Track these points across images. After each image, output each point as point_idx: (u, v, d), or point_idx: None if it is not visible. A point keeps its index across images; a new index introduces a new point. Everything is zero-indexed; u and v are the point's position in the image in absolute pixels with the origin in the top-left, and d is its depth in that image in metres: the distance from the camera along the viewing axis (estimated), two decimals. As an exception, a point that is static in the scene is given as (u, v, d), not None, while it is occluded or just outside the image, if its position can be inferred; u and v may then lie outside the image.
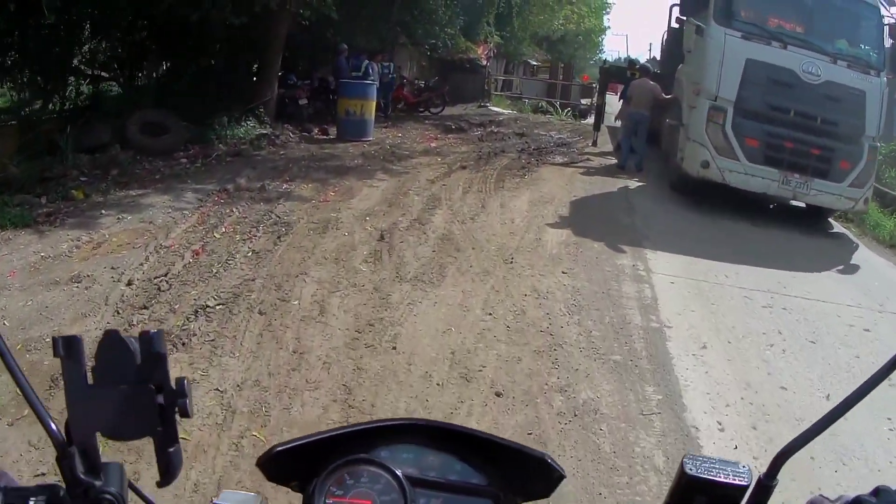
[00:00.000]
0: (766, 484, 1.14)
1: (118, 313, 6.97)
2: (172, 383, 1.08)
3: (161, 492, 1.30)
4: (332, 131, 18.71)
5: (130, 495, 1.14)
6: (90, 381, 1.06)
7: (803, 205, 14.27)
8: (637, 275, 9.58)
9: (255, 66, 19.79)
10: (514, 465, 1.46)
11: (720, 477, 1.18)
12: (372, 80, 19.75)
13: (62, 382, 1.04)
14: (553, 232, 11.07)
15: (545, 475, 1.45)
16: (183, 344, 6.46)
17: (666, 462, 5.34)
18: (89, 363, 1.06)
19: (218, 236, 9.49)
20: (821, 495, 1.14)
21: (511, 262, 9.41)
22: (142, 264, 8.25)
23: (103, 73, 18.81)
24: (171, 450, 1.08)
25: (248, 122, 17.10)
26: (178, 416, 1.08)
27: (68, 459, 1.04)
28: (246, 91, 18.23)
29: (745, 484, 1.18)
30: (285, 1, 16.21)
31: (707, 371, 6.95)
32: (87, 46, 18.06)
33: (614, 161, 18.08)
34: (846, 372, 7.29)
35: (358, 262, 8.91)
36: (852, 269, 11.75)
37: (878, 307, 9.70)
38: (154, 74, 19.72)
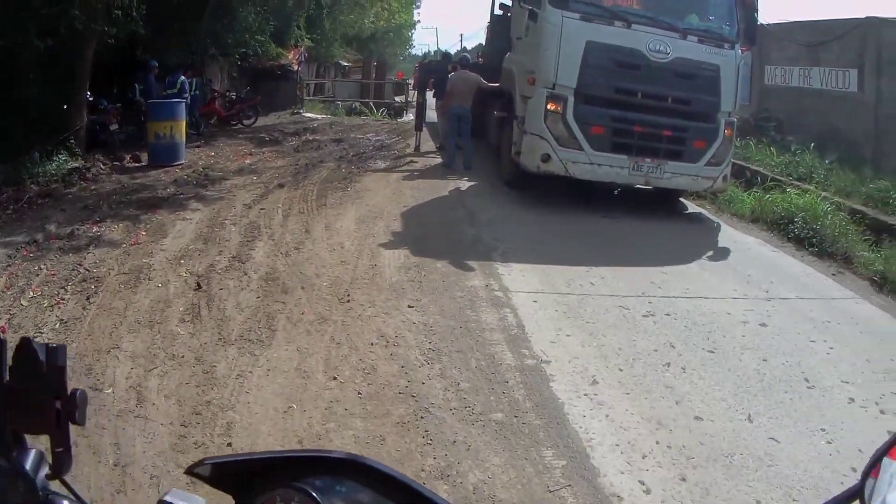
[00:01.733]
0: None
1: None
2: (68, 393, 1.23)
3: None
4: (145, 157, 17.53)
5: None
6: (7, 379, 1.24)
7: (650, 187, 13.66)
8: (494, 297, 8.65)
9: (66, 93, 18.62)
10: None
11: None
12: (185, 98, 19.16)
13: None
14: (389, 254, 10.01)
15: None
16: None
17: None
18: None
19: (25, 303, 8.33)
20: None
21: (348, 301, 8.29)
22: None
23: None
24: (61, 450, 1.25)
25: (61, 156, 15.78)
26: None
27: None
28: (57, 121, 17.08)
29: None
30: (90, 19, 15.27)
31: (607, 414, 6.09)
32: None
33: (440, 161, 17.45)
34: (758, 381, 6.78)
35: (174, 324, 7.72)
36: (724, 253, 11.31)
37: (764, 295, 9.30)
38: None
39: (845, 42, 17.80)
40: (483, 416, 5.93)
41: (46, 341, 1.26)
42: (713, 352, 7.37)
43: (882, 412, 6.34)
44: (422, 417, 5.89)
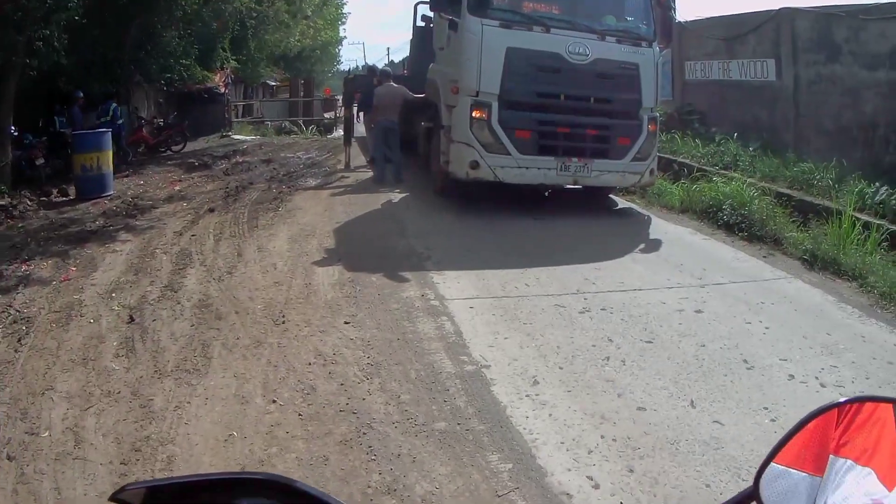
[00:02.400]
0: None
1: None
2: None
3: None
4: (72, 191, 17.18)
5: None
6: None
7: (580, 187, 13.77)
8: (430, 307, 8.61)
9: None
10: None
11: None
12: (120, 124, 19.42)
13: None
14: (322, 272, 9.95)
15: None
16: None
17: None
18: None
19: None
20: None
21: (283, 322, 8.17)
22: None
23: None
24: None
25: (-16, 195, 15.35)
26: None
27: None
28: None
29: None
30: (11, 52, 15.17)
31: (550, 413, 6.09)
32: None
33: (371, 175, 17.47)
34: (698, 367, 6.87)
35: (109, 359, 7.45)
36: (655, 245, 11.50)
37: (698, 282, 9.51)
38: None
39: (761, 33, 18.18)
40: (426, 427, 5.88)
41: None
42: (651, 342, 7.43)
43: (822, 385, 6.49)
44: (364, 434, 5.80)
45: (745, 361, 6.81)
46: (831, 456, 1.39)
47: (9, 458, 5.71)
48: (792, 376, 6.61)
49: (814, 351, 7.25)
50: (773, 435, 5.39)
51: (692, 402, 6.10)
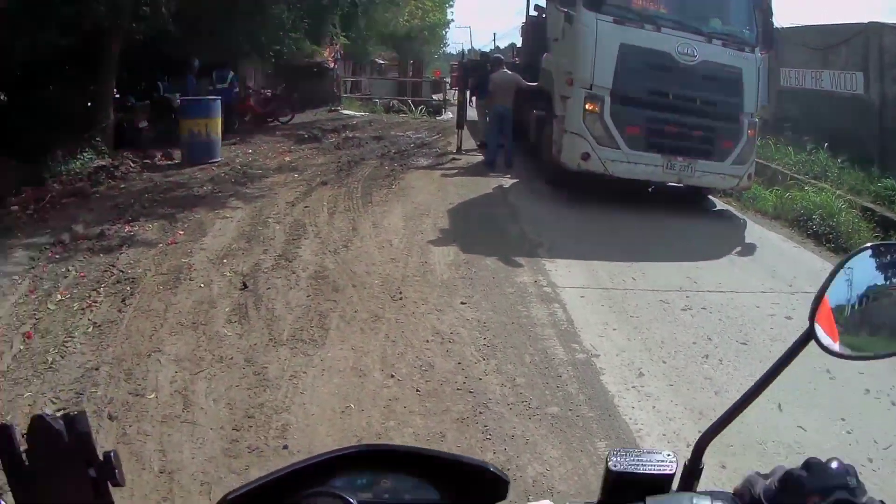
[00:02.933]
0: (693, 468, 1.32)
1: None
2: (101, 457, 1.18)
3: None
4: (178, 155, 17.26)
5: None
6: (27, 462, 1.16)
7: (682, 185, 13.89)
8: (543, 293, 8.73)
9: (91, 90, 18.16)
10: (462, 477, 1.49)
11: (645, 468, 1.27)
12: (235, 93, 19.72)
13: None
14: (438, 251, 10.09)
15: (491, 483, 1.48)
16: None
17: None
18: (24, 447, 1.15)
19: (53, 307, 8.00)
20: (756, 472, 1.22)
21: (401, 299, 8.34)
22: None
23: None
24: None
25: (86, 154, 15.39)
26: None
27: None
28: (82, 119, 16.78)
29: (671, 473, 1.28)
30: (117, 16, 15.11)
31: (654, 406, 6.22)
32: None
33: (481, 159, 17.47)
34: (786, 372, 6.50)
35: (221, 324, 7.58)
36: (750, 249, 11.51)
37: (788, 288, 9.42)
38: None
39: (851, 46, 17.89)
40: (539, 410, 5.99)
41: (65, 410, 1.26)
42: (745, 344, 7.52)
43: (892, 403, 6.50)
44: (480, 413, 5.91)
45: (828, 371, 6.76)
46: None
47: (110, 417, 5.76)
48: (867, 390, 6.61)
49: (890, 367, 7.28)
50: (847, 446, 5.69)
51: (779, 405, 6.06)
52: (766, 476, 1.21)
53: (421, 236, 10.81)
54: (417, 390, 6.31)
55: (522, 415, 5.94)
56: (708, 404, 6.21)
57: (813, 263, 10.87)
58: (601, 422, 5.89)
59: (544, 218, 12.28)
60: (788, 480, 1.14)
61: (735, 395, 5.05)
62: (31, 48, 14.16)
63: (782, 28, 19.54)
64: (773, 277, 9.83)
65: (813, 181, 15.25)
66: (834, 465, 1.15)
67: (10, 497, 1.19)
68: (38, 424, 1.17)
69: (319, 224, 11.38)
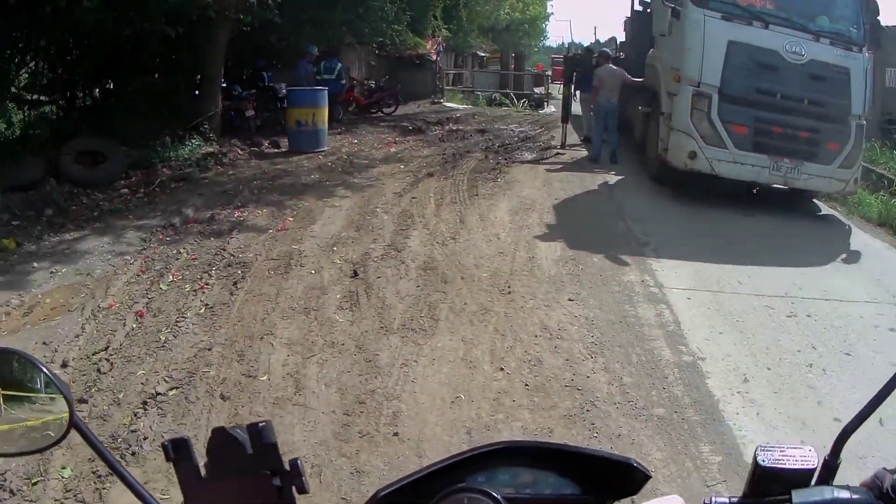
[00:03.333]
0: (831, 464, 1.36)
1: None
2: (286, 466, 1.24)
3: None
4: (284, 143, 17.59)
5: None
6: (203, 474, 1.23)
7: (787, 188, 13.70)
8: (650, 293, 8.75)
9: (198, 78, 18.64)
10: (602, 471, 1.53)
11: (789, 464, 1.33)
12: (343, 84, 20.15)
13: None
14: (544, 246, 10.16)
15: (632, 478, 1.52)
16: (133, 454, 5.18)
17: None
18: (201, 459, 1.22)
19: (165, 288, 8.31)
20: (884, 468, 1.29)
21: (509, 293, 8.41)
22: (78, 336, 6.99)
23: (42, 98, 17.52)
24: None
25: (193, 141, 15.78)
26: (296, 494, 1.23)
27: None
28: (189, 107, 17.21)
29: (813, 467, 1.33)
30: (224, 6, 15.44)
31: (758, 412, 6.13)
32: (24, 70, 16.92)
33: (585, 154, 17.53)
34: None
35: (332, 311, 7.77)
36: (855, 256, 11.24)
37: (893, 300, 9.11)
38: (90, 97, 18.49)
39: None
40: (645, 411, 6.01)
41: (253, 420, 1.25)
42: (849, 354, 7.37)
43: None
44: (588, 411, 5.95)
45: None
46: None
47: (223, 397, 5.94)
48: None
49: None
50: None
51: (881, 420, 5.73)
52: (893, 471, 1.27)
53: (527, 231, 10.87)
54: (526, 385, 6.36)
55: (629, 414, 5.96)
56: (811, 414, 6.14)
57: (918, 274, 10.73)
58: (706, 426, 5.87)
59: (650, 216, 12.24)
60: None
61: (838, 407, 5.50)
62: (138, 37, 14.50)
63: (888, 26, 19.22)
64: (877, 287, 9.66)
65: (919, 188, 14.79)
66: None
67: None
68: (219, 437, 1.24)
69: (427, 215, 11.51)
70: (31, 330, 7.14)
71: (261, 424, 1.24)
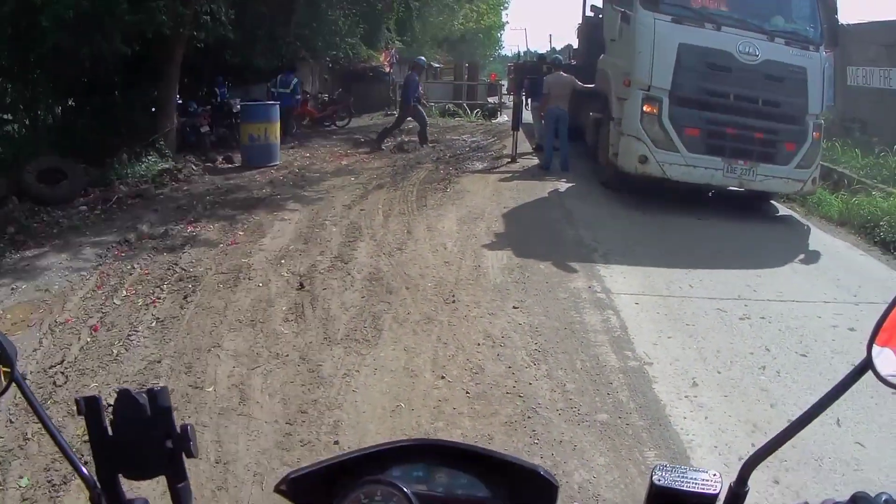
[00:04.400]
0: (737, 492, 1.25)
1: (11, 423, 5.74)
2: (178, 430, 1.29)
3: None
4: (238, 159, 17.63)
5: None
6: (110, 432, 1.30)
7: (743, 190, 13.63)
8: (596, 299, 8.66)
9: (155, 96, 18.55)
10: (514, 478, 1.55)
11: (689, 486, 1.26)
12: (298, 98, 20.29)
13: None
14: (491, 255, 10.09)
15: (541, 487, 1.55)
16: (86, 463, 5.04)
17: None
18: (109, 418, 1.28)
19: (118, 302, 8.34)
20: (805, 502, 1.28)
21: (453, 302, 8.35)
22: (35, 350, 7.04)
23: (6, 116, 17.51)
24: (181, 486, 1.32)
25: (150, 158, 15.81)
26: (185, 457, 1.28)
27: (96, 498, 1.28)
28: (146, 124, 17.21)
29: (714, 493, 1.26)
30: (178, 24, 15.44)
31: (706, 416, 6.05)
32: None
33: (537, 162, 17.54)
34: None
35: (278, 323, 7.78)
36: (814, 256, 11.18)
37: (853, 299, 9.06)
38: (52, 116, 18.41)
39: None
40: (588, 417, 5.93)
41: (149, 385, 1.33)
42: (805, 356, 7.29)
43: None
44: (529, 417, 5.88)
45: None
46: None
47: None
48: (934, 410, 6.38)
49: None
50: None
51: (838, 420, 5.92)
52: None
53: (475, 240, 10.82)
54: (467, 392, 6.33)
55: (571, 421, 5.89)
56: (763, 417, 6.08)
57: (879, 273, 10.64)
58: (651, 431, 5.79)
59: (600, 222, 12.19)
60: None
61: (792, 409, 5.02)
62: (96, 56, 14.42)
63: (848, 25, 19.19)
64: (837, 287, 9.59)
65: (881, 186, 14.86)
66: (882, 499, 1.18)
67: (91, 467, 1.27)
68: (124, 397, 1.29)
69: (375, 227, 11.49)
70: (-8, 346, 7.03)
71: (157, 389, 1.29)
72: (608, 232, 11.53)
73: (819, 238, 12.42)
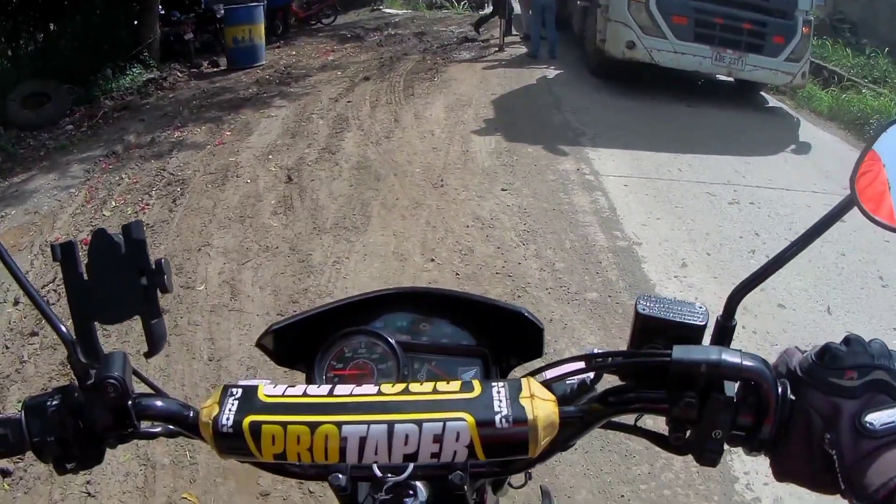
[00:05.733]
0: (724, 325, 1.16)
1: (7, 348, 5.71)
2: (152, 265, 1.22)
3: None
4: (223, 62, 17.47)
5: (136, 381, 1.22)
6: (86, 277, 1.21)
7: (732, 79, 13.59)
8: (585, 181, 8.65)
9: (136, 8, 18.19)
10: (499, 323, 1.53)
11: (674, 316, 1.19)
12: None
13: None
14: (480, 140, 10.02)
15: (527, 331, 1.50)
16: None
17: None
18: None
19: (108, 213, 8.26)
20: (795, 347, 1.13)
21: (442, 186, 8.36)
22: (27, 272, 6.76)
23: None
24: (155, 322, 1.24)
25: (134, 70, 15.68)
26: (159, 294, 1.23)
27: (72, 351, 1.18)
28: (129, 38, 16.97)
29: (702, 324, 1.19)
30: None
31: (696, 297, 5.96)
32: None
33: (525, 51, 17.25)
34: (837, 275, 6.74)
35: (266, 216, 7.82)
36: (804, 148, 11.12)
37: (843, 191, 8.60)
38: (35, 42, 18.16)
39: None
40: (577, 296, 5.98)
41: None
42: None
43: None
44: (519, 297, 5.92)
45: (881, 278, 6.66)
46: None
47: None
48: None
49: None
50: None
51: (829, 308, 6.08)
52: (804, 351, 1.10)
53: (462, 126, 10.74)
54: (457, 274, 6.39)
55: (561, 299, 5.93)
56: (753, 300, 5.73)
57: (868, 168, 10.53)
58: None
59: (589, 108, 12.05)
60: (826, 353, 1.05)
61: (782, 294, 6.32)
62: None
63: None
64: (826, 178, 9.50)
65: (871, 85, 14.72)
66: (876, 344, 1.08)
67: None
68: (97, 238, 1.23)
69: (362, 117, 11.36)
70: (-18, 273, 7.00)
71: (131, 223, 1.22)
72: (597, 117, 11.42)
73: (809, 131, 12.33)
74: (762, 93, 14.47)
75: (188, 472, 4.30)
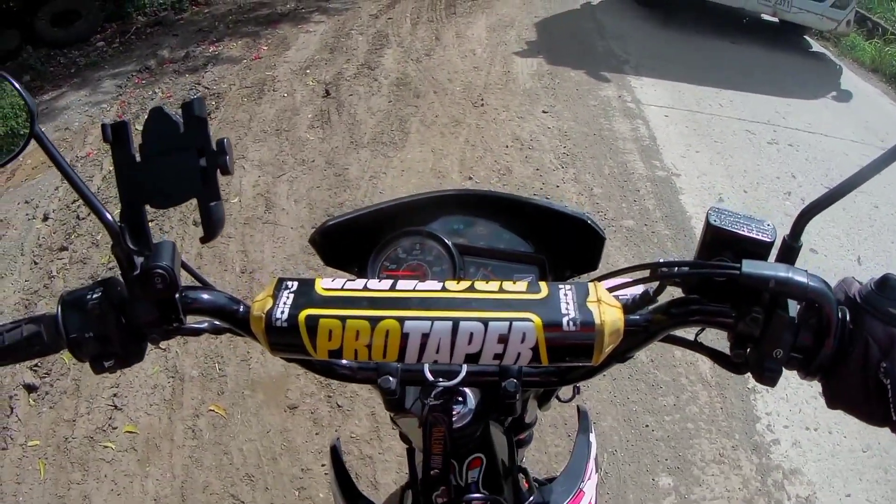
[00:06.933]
0: (791, 244, 1.16)
1: (35, 264, 5.76)
2: (213, 145, 1.17)
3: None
4: None
5: (183, 274, 1.23)
6: (138, 159, 1.19)
7: (777, 20, 13.32)
8: (626, 108, 8.56)
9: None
10: (559, 231, 1.51)
11: (744, 230, 1.17)
12: None
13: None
14: (522, 62, 9.92)
15: (587, 240, 1.50)
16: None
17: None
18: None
19: (139, 128, 8.03)
20: (853, 277, 1.14)
21: (482, 105, 8.25)
22: (57, 188, 6.91)
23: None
24: (214, 204, 1.18)
25: (169, -15, 15.61)
26: (219, 175, 1.17)
27: (119, 238, 1.16)
28: None
29: (769, 240, 1.18)
30: None
31: None
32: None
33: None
34: (869, 226, 6.73)
35: (303, 130, 7.72)
36: (845, 96, 10.96)
37: (880, 143, 8.81)
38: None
39: None
40: (614, 222, 6.03)
41: None
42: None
43: None
44: None
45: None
46: None
47: (195, 223, 5.97)
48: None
49: None
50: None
51: (859, 258, 6.10)
52: (860, 283, 1.12)
53: (505, 47, 10.64)
54: None
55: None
56: None
57: (908, 123, 10.42)
58: (676, 241, 5.90)
59: (633, 37, 11.94)
60: (886, 283, 1.05)
61: (815, 237, 5.55)
62: None
63: None
64: (865, 129, 9.38)
65: (917, 41, 14.58)
66: None
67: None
68: (154, 116, 1.18)
69: (402, 34, 11.27)
70: (14, 193, 7.12)
71: (193, 99, 1.17)
72: (640, 47, 11.34)
73: (851, 80, 12.14)
74: (806, 37, 14.25)
75: (216, 385, 4.39)
